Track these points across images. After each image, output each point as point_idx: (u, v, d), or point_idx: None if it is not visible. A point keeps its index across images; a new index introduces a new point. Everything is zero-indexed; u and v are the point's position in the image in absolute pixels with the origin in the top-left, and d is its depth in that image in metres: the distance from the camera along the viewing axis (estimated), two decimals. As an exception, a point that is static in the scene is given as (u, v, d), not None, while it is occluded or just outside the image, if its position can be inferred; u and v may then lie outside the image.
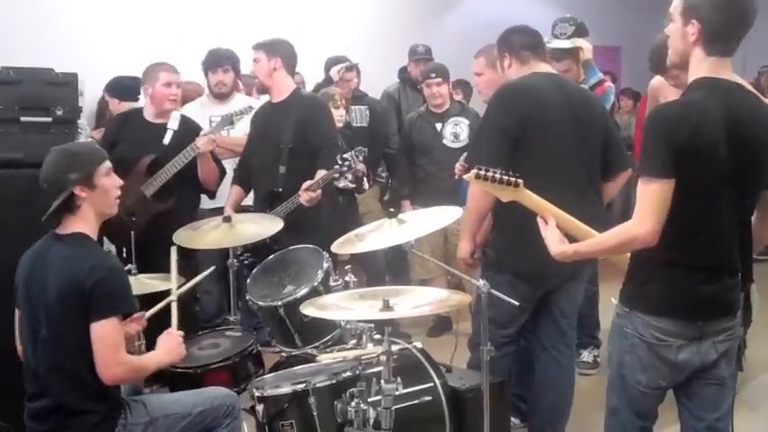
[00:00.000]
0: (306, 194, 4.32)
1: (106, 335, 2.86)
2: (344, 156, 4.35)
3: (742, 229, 2.61)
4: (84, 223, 2.99)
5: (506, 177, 2.68)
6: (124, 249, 4.36)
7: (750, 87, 2.71)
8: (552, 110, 3.52)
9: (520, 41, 3.70)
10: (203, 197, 4.87)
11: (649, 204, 2.44)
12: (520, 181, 2.70)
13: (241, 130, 5.37)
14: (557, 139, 3.50)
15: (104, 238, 4.42)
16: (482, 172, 2.67)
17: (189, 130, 4.62)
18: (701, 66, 2.52)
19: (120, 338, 2.93)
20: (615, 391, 2.75)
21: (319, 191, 4.34)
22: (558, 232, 2.67)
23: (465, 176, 2.75)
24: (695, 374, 2.64)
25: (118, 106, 5.77)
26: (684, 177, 2.42)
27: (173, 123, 4.59)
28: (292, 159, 4.49)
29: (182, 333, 3.25)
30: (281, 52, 4.67)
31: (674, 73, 3.73)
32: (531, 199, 2.76)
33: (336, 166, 4.30)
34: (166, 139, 4.54)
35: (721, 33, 2.49)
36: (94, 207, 3.02)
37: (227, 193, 4.84)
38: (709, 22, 2.47)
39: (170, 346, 3.16)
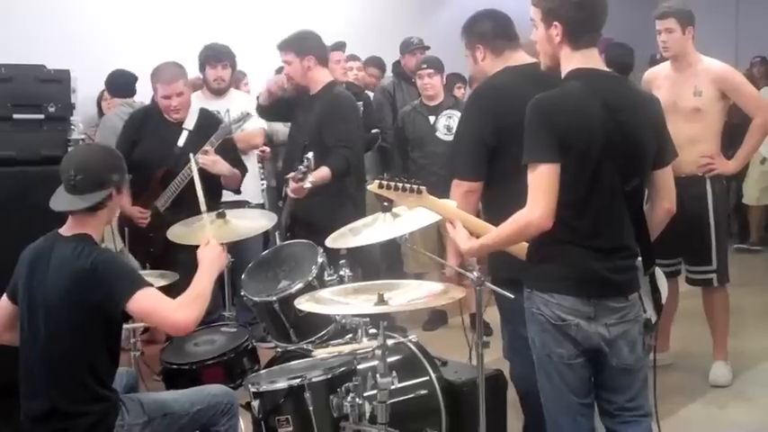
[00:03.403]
0: (291, 184, 4.13)
1: (147, 303, 2.82)
2: (307, 155, 4.01)
3: (634, 213, 2.72)
4: (94, 227, 2.96)
5: (409, 185, 2.80)
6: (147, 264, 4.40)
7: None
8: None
9: (492, 29, 3.39)
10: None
11: (538, 189, 2.55)
12: (423, 188, 2.81)
13: (254, 125, 5.39)
14: None
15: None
16: (384, 182, 2.80)
17: (208, 124, 4.57)
18: (572, 60, 2.69)
19: (161, 295, 2.88)
20: (544, 372, 2.77)
21: (306, 184, 4.01)
22: (465, 231, 2.81)
23: (369, 187, 2.85)
24: (602, 361, 2.70)
25: (110, 102, 5.78)
26: (566, 162, 2.55)
27: (189, 123, 4.58)
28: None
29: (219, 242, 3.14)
30: (312, 48, 4.48)
31: None
32: (435, 204, 2.88)
33: (300, 166, 3.99)
34: (181, 141, 4.53)
35: (582, 28, 2.68)
36: (110, 213, 3.03)
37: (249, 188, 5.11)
38: (569, 21, 2.66)
39: (211, 254, 3.06)
